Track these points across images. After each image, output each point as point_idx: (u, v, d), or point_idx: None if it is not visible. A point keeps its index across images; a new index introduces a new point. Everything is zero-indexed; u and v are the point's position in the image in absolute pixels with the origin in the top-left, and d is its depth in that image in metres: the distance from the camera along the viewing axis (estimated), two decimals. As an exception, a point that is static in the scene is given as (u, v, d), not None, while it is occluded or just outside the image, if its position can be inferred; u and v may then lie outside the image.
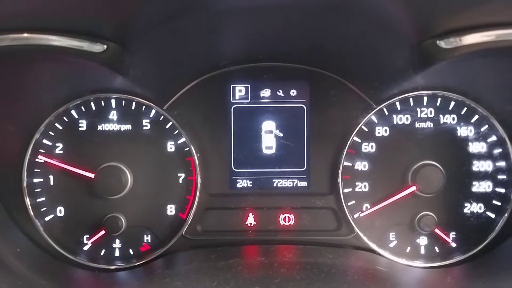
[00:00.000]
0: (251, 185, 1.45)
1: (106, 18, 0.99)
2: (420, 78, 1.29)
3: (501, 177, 1.39)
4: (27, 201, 1.37)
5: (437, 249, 1.41)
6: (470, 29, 1.02)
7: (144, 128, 1.40)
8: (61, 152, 1.39)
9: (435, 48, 1.07)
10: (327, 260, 1.22)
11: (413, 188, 1.36)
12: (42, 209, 1.39)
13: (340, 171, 1.40)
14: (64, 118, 1.39)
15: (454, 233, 1.40)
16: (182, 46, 1.23)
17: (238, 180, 1.45)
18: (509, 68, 1.23)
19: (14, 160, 1.37)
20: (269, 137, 1.45)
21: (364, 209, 1.41)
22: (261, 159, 1.45)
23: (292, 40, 1.28)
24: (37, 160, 1.38)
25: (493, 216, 1.39)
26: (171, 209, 1.41)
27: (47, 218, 1.39)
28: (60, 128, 1.39)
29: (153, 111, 1.40)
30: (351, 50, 1.29)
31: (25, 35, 1.01)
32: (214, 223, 1.44)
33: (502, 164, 1.38)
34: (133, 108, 1.40)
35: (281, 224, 1.44)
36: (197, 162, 1.39)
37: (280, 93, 1.44)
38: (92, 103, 1.39)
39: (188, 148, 1.39)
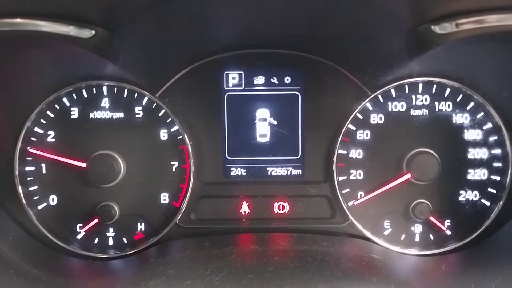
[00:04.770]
0: (245, 173, 1.44)
1: (93, 2, 0.97)
2: (416, 64, 1.27)
3: (496, 164, 1.38)
4: (19, 189, 1.36)
5: (432, 237, 1.41)
6: (465, 14, 1.01)
7: (137, 116, 1.38)
8: (53, 140, 1.38)
9: (429, 33, 1.05)
10: (321, 248, 1.22)
11: (408, 176, 1.35)
12: (34, 198, 1.38)
13: (334, 159, 1.39)
14: (56, 106, 1.37)
15: (449, 220, 1.40)
16: (173, 31, 1.21)
17: (232, 168, 1.44)
18: (504, 54, 1.22)
19: (5, 149, 1.36)
20: (263, 125, 1.43)
21: (358, 197, 1.41)
22: (255, 147, 1.44)
23: (286, 26, 1.26)
24: (28, 148, 1.37)
25: (488, 203, 1.39)
26: (164, 198, 1.41)
27: (39, 207, 1.39)
28: (52, 116, 1.38)
29: (146, 99, 1.38)
30: (346, 35, 1.27)
31: (18, 20, 0.99)
32: (208, 211, 1.43)
33: (497, 151, 1.38)
34: (125, 95, 1.38)
35: (275, 212, 1.43)
36: (190, 150, 1.38)
37: (274, 80, 1.42)
38: (83, 91, 1.38)
39: (181, 136, 1.38)
